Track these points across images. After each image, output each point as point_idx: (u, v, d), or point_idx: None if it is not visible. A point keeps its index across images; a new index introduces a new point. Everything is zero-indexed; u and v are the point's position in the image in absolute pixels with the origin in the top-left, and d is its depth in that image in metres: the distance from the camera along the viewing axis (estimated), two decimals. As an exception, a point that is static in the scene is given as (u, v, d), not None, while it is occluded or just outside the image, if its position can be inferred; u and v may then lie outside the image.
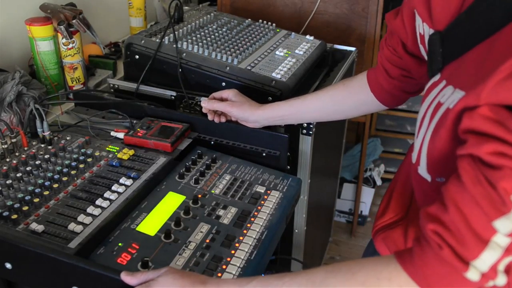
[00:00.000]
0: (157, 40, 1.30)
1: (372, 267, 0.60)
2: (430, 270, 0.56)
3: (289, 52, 1.39)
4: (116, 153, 1.03)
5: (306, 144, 1.20)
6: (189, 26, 1.42)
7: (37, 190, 0.89)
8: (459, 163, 0.55)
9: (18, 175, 0.92)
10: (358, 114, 1.06)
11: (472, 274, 0.54)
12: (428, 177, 0.67)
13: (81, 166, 0.98)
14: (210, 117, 1.12)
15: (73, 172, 0.96)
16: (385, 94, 0.95)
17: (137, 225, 0.86)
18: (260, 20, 1.58)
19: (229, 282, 0.70)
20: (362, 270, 0.61)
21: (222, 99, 1.12)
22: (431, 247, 0.56)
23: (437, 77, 0.65)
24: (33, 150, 1.01)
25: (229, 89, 1.12)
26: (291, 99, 1.08)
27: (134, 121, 1.14)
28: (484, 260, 0.53)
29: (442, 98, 0.61)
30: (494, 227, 0.51)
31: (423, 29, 0.72)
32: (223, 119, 1.11)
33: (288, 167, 1.14)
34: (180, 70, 1.26)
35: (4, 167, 0.95)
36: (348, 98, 1.01)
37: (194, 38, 1.35)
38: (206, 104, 1.11)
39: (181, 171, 1.01)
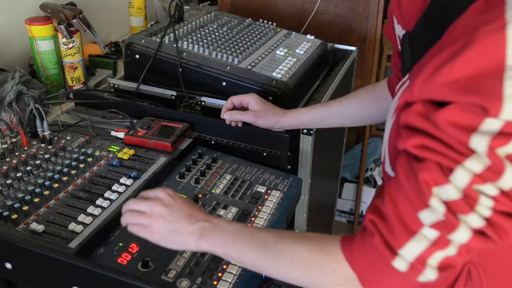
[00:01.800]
0: (158, 40, 1.30)
1: (321, 241, 0.65)
2: (362, 256, 0.59)
3: (290, 52, 1.39)
4: (116, 153, 1.03)
5: (306, 143, 1.20)
6: (189, 25, 1.41)
7: (37, 190, 0.89)
8: (398, 158, 0.57)
9: (18, 174, 0.92)
10: (381, 121, 1.06)
11: (399, 263, 0.56)
12: (392, 174, 0.67)
13: (81, 165, 0.98)
14: (228, 123, 1.10)
15: (73, 171, 0.96)
16: None
17: (137, 225, 0.86)
18: (261, 20, 1.58)
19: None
20: (312, 241, 0.65)
21: (242, 104, 1.10)
22: (367, 235, 0.59)
23: (405, 77, 0.66)
24: (33, 150, 1.01)
25: (249, 94, 1.09)
26: (314, 106, 1.09)
27: (135, 121, 1.14)
28: (409, 250, 0.55)
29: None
30: (420, 219, 0.53)
31: (399, 30, 0.73)
32: (240, 124, 1.10)
33: (289, 167, 1.14)
34: (180, 69, 1.26)
35: (4, 167, 0.94)
36: (373, 105, 1.01)
37: (194, 37, 1.35)
38: (229, 117, 1.08)
39: (182, 170, 1.01)
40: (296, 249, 0.64)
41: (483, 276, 0.67)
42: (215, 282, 0.77)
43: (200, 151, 1.09)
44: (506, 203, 0.50)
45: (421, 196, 0.53)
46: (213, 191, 0.98)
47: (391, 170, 0.67)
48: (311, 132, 1.18)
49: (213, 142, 1.13)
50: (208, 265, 0.80)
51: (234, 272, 0.79)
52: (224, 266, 0.80)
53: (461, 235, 0.52)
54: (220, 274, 0.78)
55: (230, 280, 0.78)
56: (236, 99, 1.09)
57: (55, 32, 1.29)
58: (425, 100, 0.51)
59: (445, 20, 0.54)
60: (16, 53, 1.38)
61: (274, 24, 1.56)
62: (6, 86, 1.17)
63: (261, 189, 1.01)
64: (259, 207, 0.96)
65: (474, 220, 0.51)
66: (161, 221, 0.72)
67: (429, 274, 0.55)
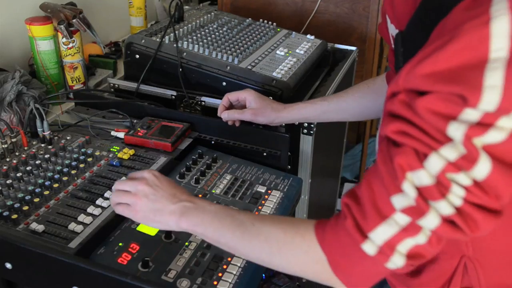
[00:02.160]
0: (158, 40, 1.29)
1: (297, 224, 0.65)
2: (333, 238, 0.60)
3: (290, 52, 1.39)
4: (116, 153, 1.03)
5: (307, 143, 1.20)
6: (189, 25, 1.41)
7: (37, 190, 0.89)
8: (379, 145, 0.58)
9: (18, 174, 0.92)
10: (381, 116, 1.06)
11: (368, 247, 0.56)
12: None
13: (82, 165, 0.98)
14: (229, 123, 1.09)
15: (73, 171, 0.96)
16: None
17: (137, 225, 0.86)
18: (261, 20, 1.58)
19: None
20: (288, 223, 0.66)
21: (239, 101, 1.09)
22: (340, 218, 0.60)
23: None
24: (33, 150, 1.01)
25: (246, 91, 1.07)
26: (314, 100, 1.08)
27: (135, 121, 1.14)
28: (379, 234, 0.55)
29: None
30: (392, 203, 0.54)
31: (392, 30, 0.73)
32: (237, 123, 1.09)
33: (289, 166, 1.14)
34: (180, 69, 1.26)
35: (4, 167, 0.94)
36: (373, 100, 1.01)
37: (194, 37, 1.35)
38: (227, 116, 1.07)
39: (182, 170, 1.01)
40: (271, 230, 0.65)
41: (479, 269, 0.67)
42: (215, 282, 0.77)
43: (200, 151, 1.09)
44: (479, 194, 0.50)
45: (395, 180, 0.53)
46: (213, 191, 0.98)
47: None
48: (312, 132, 1.18)
49: (213, 142, 1.13)
50: (208, 265, 0.80)
51: (234, 272, 0.79)
52: (224, 266, 0.80)
53: (430, 221, 0.52)
54: (220, 274, 0.78)
55: (230, 280, 0.78)
56: (232, 96, 1.08)
57: (55, 32, 1.29)
58: (409, 89, 0.52)
59: (435, 19, 0.54)
60: (16, 53, 1.38)
61: (274, 24, 1.56)
62: (6, 86, 1.17)
63: (261, 189, 1.01)
64: (259, 207, 0.95)
65: (444, 208, 0.51)
66: (145, 200, 0.73)
67: (397, 260, 0.55)
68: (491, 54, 0.46)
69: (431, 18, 0.56)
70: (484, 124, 0.47)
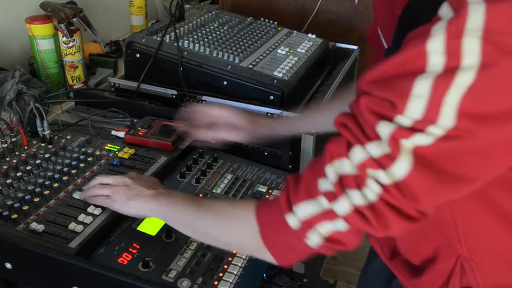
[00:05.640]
0: (158, 39, 1.29)
1: (245, 201, 0.73)
2: (266, 208, 0.64)
3: (291, 51, 1.39)
4: (116, 152, 1.03)
5: (308, 143, 1.19)
6: (190, 24, 1.41)
7: (37, 190, 0.89)
8: None
9: (18, 174, 0.92)
10: None
11: (291, 219, 0.59)
12: None
13: (82, 165, 0.97)
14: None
15: (73, 171, 0.95)
16: None
17: (138, 225, 0.86)
18: (262, 19, 1.57)
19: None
20: (239, 201, 0.75)
21: (209, 117, 1.00)
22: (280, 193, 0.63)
23: None
24: (33, 149, 1.01)
25: (222, 109, 0.99)
26: (306, 114, 1.05)
27: (135, 120, 1.14)
28: (302, 209, 0.58)
29: None
30: (318, 185, 0.57)
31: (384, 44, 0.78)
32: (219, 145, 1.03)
33: (290, 166, 1.13)
34: (181, 68, 1.26)
35: (4, 167, 0.94)
36: None
37: (195, 36, 1.34)
38: (211, 137, 0.99)
39: (182, 170, 1.01)
40: (222, 206, 0.71)
41: (476, 269, 0.68)
42: (216, 282, 0.76)
43: (200, 150, 1.08)
44: (395, 195, 0.52)
45: (324, 164, 0.57)
46: (214, 191, 0.98)
47: None
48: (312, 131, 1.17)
49: (213, 141, 1.13)
50: (209, 265, 0.79)
51: (235, 272, 0.79)
52: (225, 266, 0.80)
53: (341, 207, 0.55)
54: (221, 274, 0.78)
55: (231, 280, 0.77)
56: (201, 111, 1.00)
57: (55, 31, 1.28)
58: (360, 90, 0.56)
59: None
60: (16, 52, 1.38)
61: (275, 23, 1.56)
62: (6, 85, 1.16)
63: (262, 188, 1.01)
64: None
65: (357, 198, 0.54)
66: (124, 188, 0.80)
67: (315, 239, 0.58)
68: (424, 68, 0.49)
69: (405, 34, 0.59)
70: (412, 129, 0.50)
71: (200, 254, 0.81)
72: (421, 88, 0.48)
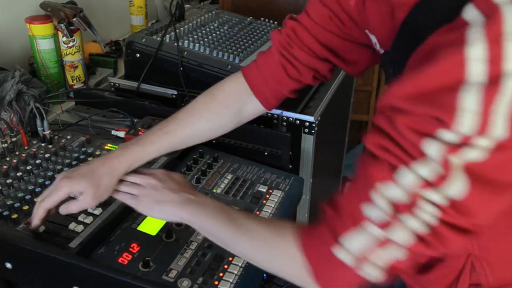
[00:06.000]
0: (158, 39, 1.29)
1: (284, 226, 0.66)
2: (308, 240, 0.61)
3: (291, 51, 1.38)
4: (117, 152, 1.03)
5: (308, 143, 1.19)
6: (190, 24, 1.41)
7: (37, 190, 0.88)
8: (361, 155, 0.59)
9: (18, 174, 0.92)
10: (241, 124, 0.95)
11: (342, 254, 0.56)
12: None
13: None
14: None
15: (73, 171, 0.95)
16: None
17: (138, 225, 0.86)
18: (262, 18, 1.57)
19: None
20: (273, 224, 0.69)
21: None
22: (317, 222, 0.61)
23: None
24: (34, 149, 1.01)
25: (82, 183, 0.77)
26: (153, 137, 0.85)
27: (135, 120, 1.14)
28: (352, 241, 0.55)
29: None
30: (363, 211, 0.54)
31: (378, 47, 0.76)
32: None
33: (290, 166, 1.13)
34: (181, 68, 1.25)
35: (4, 166, 0.94)
36: (228, 115, 0.92)
37: (195, 36, 1.34)
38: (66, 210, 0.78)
39: (183, 170, 1.01)
40: (258, 227, 0.67)
41: (486, 267, 0.68)
42: (216, 282, 0.76)
43: (201, 150, 1.08)
44: (453, 215, 0.50)
45: (367, 188, 0.54)
46: (214, 191, 0.98)
47: None
48: (313, 131, 1.17)
49: (214, 141, 1.13)
50: (209, 265, 0.79)
51: (236, 272, 0.79)
52: (226, 266, 0.80)
53: (398, 235, 0.53)
54: (221, 274, 0.78)
55: (231, 280, 0.77)
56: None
57: (55, 31, 1.28)
58: (391, 106, 0.54)
59: (420, 40, 0.55)
60: (16, 52, 1.38)
61: (276, 23, 1.56)
62: (6, 85, 1.16)
63: (263, 188, 1.01)
64: (261, 207, 0.95)
65: (413, 223, 0.51)
66: (152, 191, 0.76)
67: (373, 272, 0.56)
68: (467, 79, 0.46)
69: (415, 40, 0.57)
70: (461, 144, 0.48)
71: (201, 254, 0.81)
72: (468, 101, 0.46)
